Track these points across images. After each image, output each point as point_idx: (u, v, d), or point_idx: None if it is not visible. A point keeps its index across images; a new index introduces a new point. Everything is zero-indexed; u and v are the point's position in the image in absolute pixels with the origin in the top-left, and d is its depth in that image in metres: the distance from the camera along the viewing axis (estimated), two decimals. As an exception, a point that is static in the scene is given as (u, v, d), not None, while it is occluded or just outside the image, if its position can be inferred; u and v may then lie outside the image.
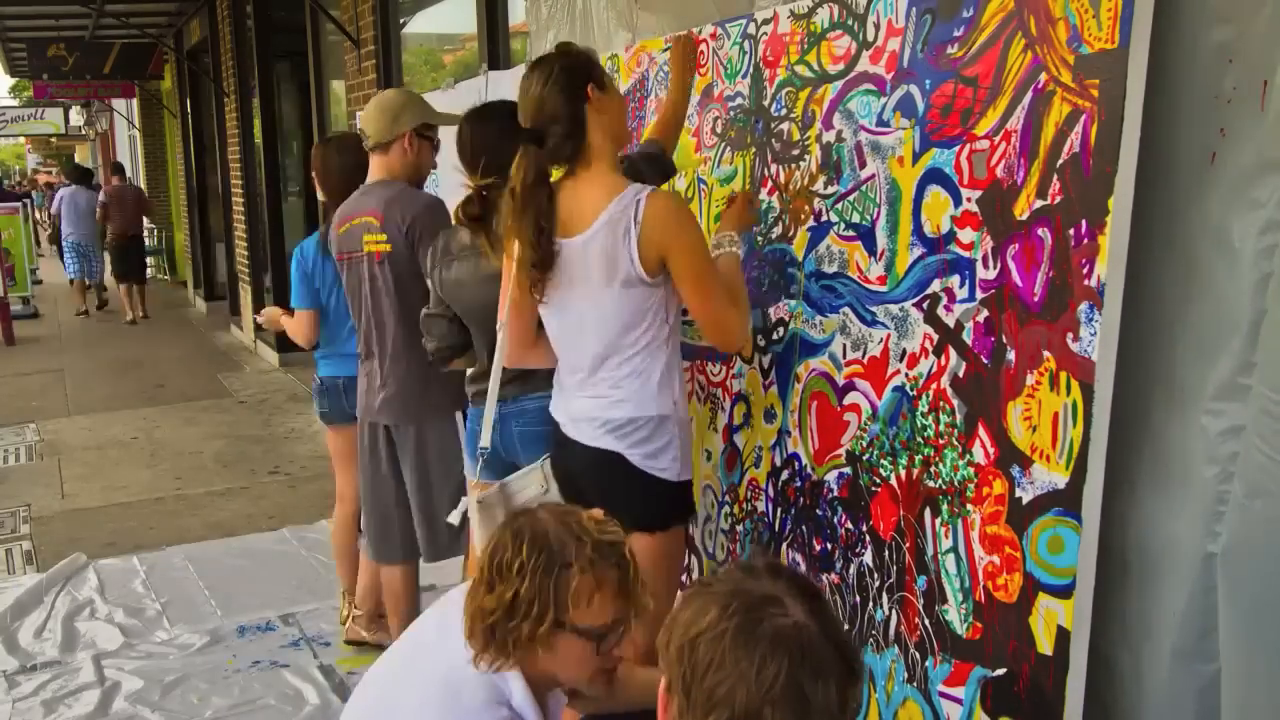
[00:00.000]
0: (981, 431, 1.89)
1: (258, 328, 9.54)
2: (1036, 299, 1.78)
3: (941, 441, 1.98)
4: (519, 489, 2.42)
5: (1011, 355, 1.83)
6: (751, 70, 2.52)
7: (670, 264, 2.14)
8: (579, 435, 2.27)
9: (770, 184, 2.46)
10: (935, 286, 1.99)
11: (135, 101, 16.68)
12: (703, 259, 2.16)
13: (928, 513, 2.01)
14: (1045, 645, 1.77)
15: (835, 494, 2.27)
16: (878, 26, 2.13)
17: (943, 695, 1.98)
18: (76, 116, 25.97)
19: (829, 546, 2.29)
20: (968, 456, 1.92)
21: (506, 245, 2.29)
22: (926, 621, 2.01)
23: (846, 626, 2.23)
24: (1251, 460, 1.56)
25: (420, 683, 1.72)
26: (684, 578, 2.81)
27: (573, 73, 2.20)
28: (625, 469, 2.20)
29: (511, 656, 1.63)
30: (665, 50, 2.89)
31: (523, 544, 1.63)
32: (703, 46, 2.72)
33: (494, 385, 2.45)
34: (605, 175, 2.20)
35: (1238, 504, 1.59)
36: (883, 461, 2.13)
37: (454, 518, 2.53)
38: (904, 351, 2.07)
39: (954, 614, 1.95)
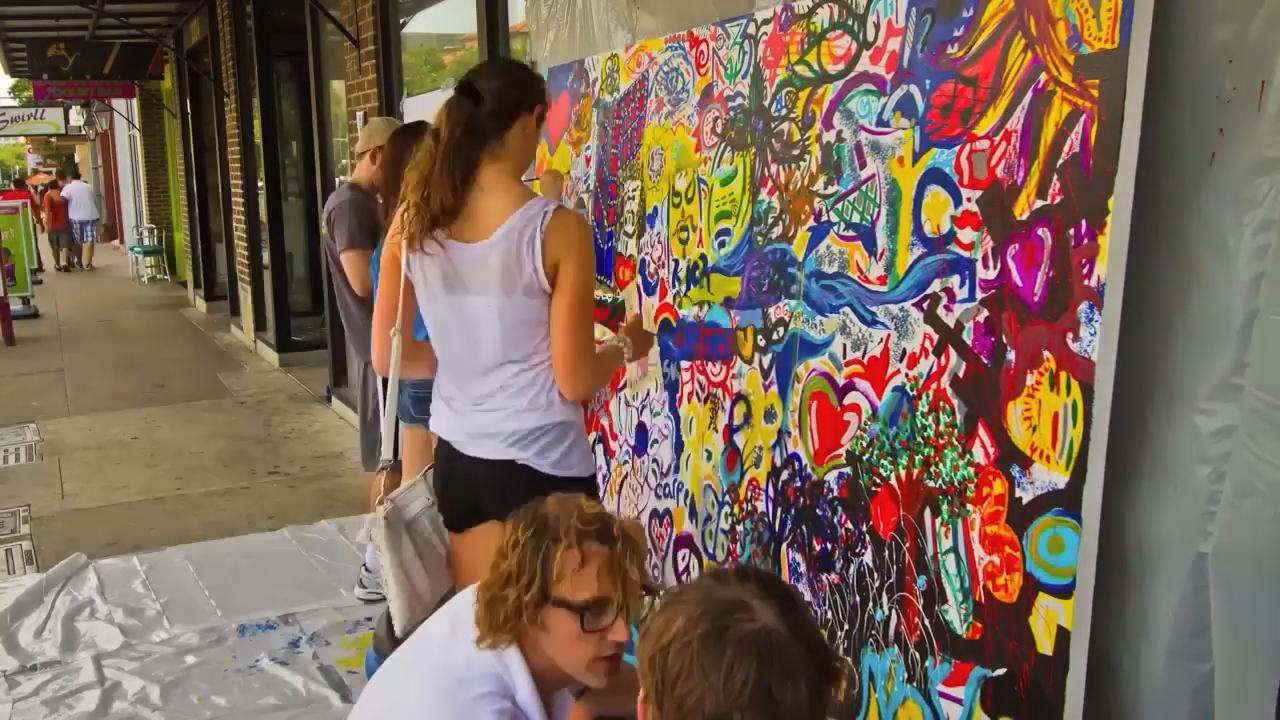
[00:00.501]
0: (981, 431, 1.89)
1: (260, 327, 9.54)
2: (1036, 299, 1.78)
3: (941, 441, 1.98)
4: (406, 502, 2.46)
5: (1011, 355, 1.83)
6: (751, 70, 2.53)
7: (559, 276, 2.18)
8: (480, 451, 2.29)
9: (770, 184, 2.46)
10: (935, 286, 1.99)
11: (135, 101, 16.68)
12: (586, 288, 2.21)
13: (928, 513, 2.01)
14: (1045, 645, 1.77)
15: (835, 494, 2.27)
16: (878, 26, 2.13)
17: (943, 695, 1.98)
18: (76, 116, 25.97)
19: (829, 546, 2.29)
20: (968, 456, 1.92)
21: (402, 210, 2.29)
22: (926, 621, 2.01)
23: (847, 627, 2.23)
24: (1242, 460, 1.57)
25: (426, 676, 1.74)
26: (685, 578, 2.81)
27: (531, 88, 2.31)
28: (531, 478, 2.22)
29: (506, 631, 1.66)
30: (665, 50, 2.90)
31: (521, 523, 1.69)
32: (703, 46, 2.73)
33: (392, 400, 2.49)
34: (511, 186, 2.25)
35: (1229, 504, 1.60)
36: (883, 461, 2.13)
37: (361, 536, 2.61)
38: (904, 351, 2.07)
39: (954, 614, 1.95)
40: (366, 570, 3.91)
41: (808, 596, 2.33)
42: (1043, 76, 1.76)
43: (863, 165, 2.17)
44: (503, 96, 2.26)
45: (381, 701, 1.78)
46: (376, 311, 2.44)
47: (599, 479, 3.18)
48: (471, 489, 2.34)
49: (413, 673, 1.77)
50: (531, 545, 1.66)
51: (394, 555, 2.39)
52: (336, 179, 7.29)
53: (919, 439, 2.03)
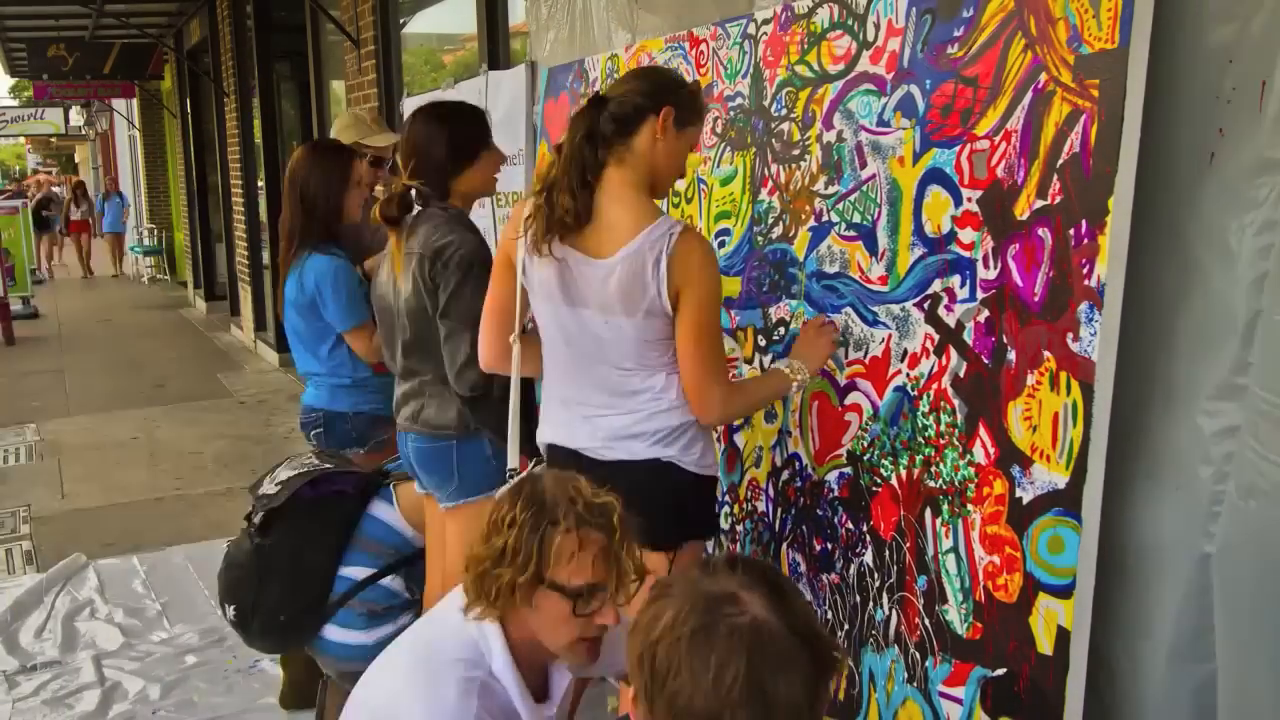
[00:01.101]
0: (982, 431, 1.89)
1: (260, 327, 9.54)
2: (1037, 299, 1.78)
3: (942, 441, 1.98)
4: None
5: (1012, 355, 1.83)
6: (751, 70, 2.53)
7: (681, 303, 2.07)
8: (622, 453, 2.16)
9: (770, 184, 2.46)
10: (936, 286, 1.99)
11: (135, 101, 16.69)
12: (711, 311, 2.09)
13: (928, 513, 2.01)
14: (1045, 645, 1.77)
15: (836, 494, 2.27)
16: (878, 26, 2.13)
17: (943, 695, 1.98)
18: (76, 116, 25.98)
19: (829, 546, 2.29)
20: (968, 456, 1.92)
21: (526, 211, 2.18)
22: (927, 621, 2.01)
23: (847, 627, 2.23)
24: (1246, 460, 1.56)
25: (407, 645, 1.77)
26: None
27: (666, 88, 2.17)
28: (677, 475, 2.15)
29: (495, 606, 1.67)
30: (665, 50, 2.90)
31: (519, 500, 1.68)
32: (703, 46, 2.72)
33: (514, 406, 2.34)
34: (637, 200, 2.13)
35: (1232, 504, 1.59)
36: (883, 461, 2.13)
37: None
38: (905, 351, 2.07)
39: (954, 614, 1.95)
40: None
41: (808, 596, 2.33)
42: (1043, 76, 1.76)
43: (863, 165, 2.17)
44: (625, 98, 2.15)
45: (369, 675, 1.79)
46: (489, 310, 2.33)
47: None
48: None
49: (397, 647, 1.80)
50: (529, 525, 1.65)
51: None
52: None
53: (920, 439, 2.03)
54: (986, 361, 1.88)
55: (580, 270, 2.12)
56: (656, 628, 1.17)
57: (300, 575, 2.72)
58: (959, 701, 1.94)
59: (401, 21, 5.82)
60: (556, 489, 1.69)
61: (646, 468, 2.14)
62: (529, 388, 2.43)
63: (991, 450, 1.87)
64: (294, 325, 3.20)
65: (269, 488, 2.77)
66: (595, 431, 2.19)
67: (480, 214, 4.32)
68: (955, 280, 1.95)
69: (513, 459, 2.35)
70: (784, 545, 2.44)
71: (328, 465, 2.82)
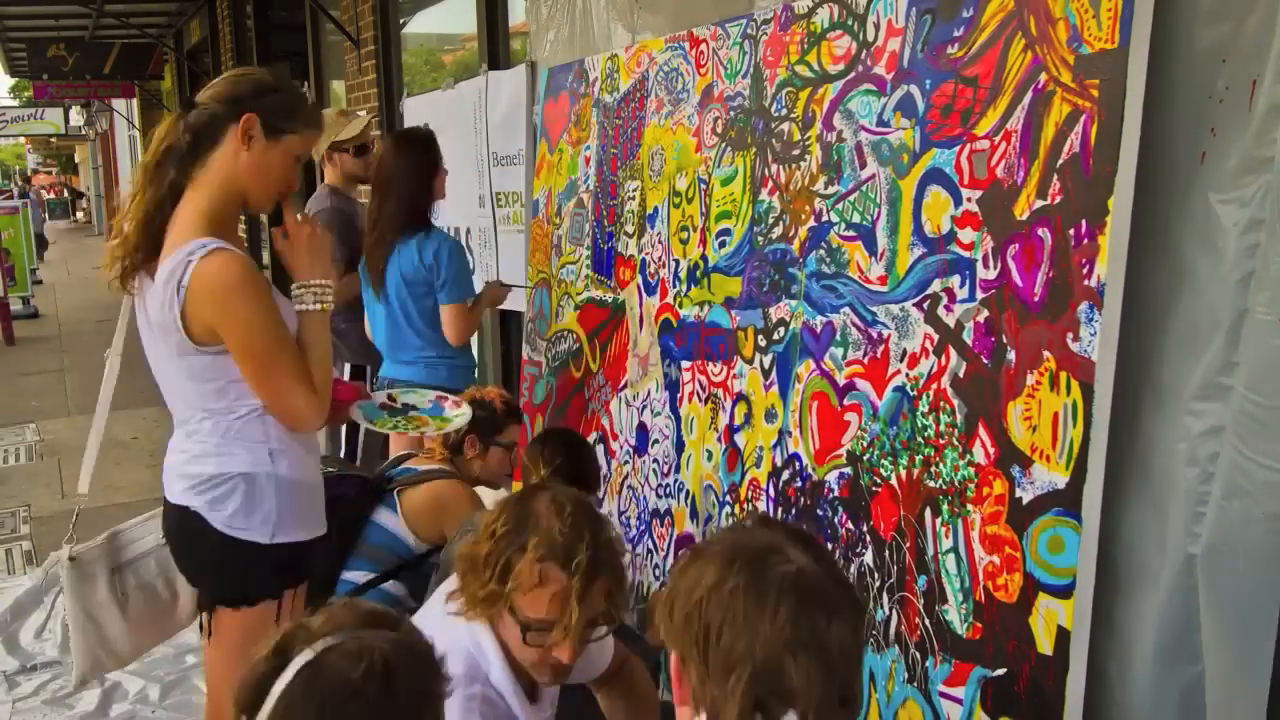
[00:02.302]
0: (982, 431, 1.89)
1: None
2: (1036, 299, 1.78)
3: (942, 441, 1.98)
4: (133, 538, 2.41)
5: (1011, 355, 1.83)
6: (751, 70, 2.53)
7: (222, 335, 1.95)
8: (169, 492, 2.11)
9: (770, 184, 2.46)
10: (935, 286, 1.99)
11: (135, 101, 16.69)
12: (250, 337, 1.94)
13: (928, 513, 2.01)
14: (1045, 645, 1.77)
15: (836, 494, 2.27)
16: (878, 26, 2.13)
17: (943, 695, 1.98)
18: (76, 116, 25.99)
19: (829, 546, 2.29)
20: (968, 456, 1.92)
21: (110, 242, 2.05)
22: (927, 621, 2.01)
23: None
24: (1230, 461, 1.56)
25: None
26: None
27: (248, 94, 2.00)
28: (203, 529, 2.03)
29: (474, 610, 1.68)
30: (665, 50, 2.90)
31: (508, 511, 1.69)
32: (703, 46, 2.73)
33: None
34: (191, 219, 1.96)
35: (1217, 504, 1.59)
36: (883, 461, 2.13)
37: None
38: (904, 351, 2.07)
39: (954, 614, 1.95)
40: None
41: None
42: (1043, 76, 1.76)
43: (863, 165, 2.17)
44: (202, 107, 1.97)
45: None
46: None
47: (600, 479, 3.19)
48: (166, 531, 2.19)
49: None
50: (504, 542, 1.66)
51: (76, 601, 2.23)
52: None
53: (919, 439, 2.03)
54: (986, 361, 1.88)
55: (147, 296, 2.01)
56: (701, 586, 1.18)
57: None
58: (959, 701, 1.94)
59: (401, 21, 5.82)
60: (543, 509, 1.68)
61: (178, 513, 2.09)
62: None
63: (991, 450, 1.87)
64: (399, 311, 3.31)
65: None
66: (166, 461, 2.16)
67: (480, 213, 4.33)
68: (955, 280, 1.95)
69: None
70: (784, 545, 2.44)
71: (330, 470, 2.82)
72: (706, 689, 1.16)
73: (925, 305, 2.02)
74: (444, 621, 1.73)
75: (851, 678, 1.16)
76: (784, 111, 2.41)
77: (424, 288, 3.28)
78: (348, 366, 3.86)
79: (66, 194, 32.15)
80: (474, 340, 4.71)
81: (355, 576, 2.75)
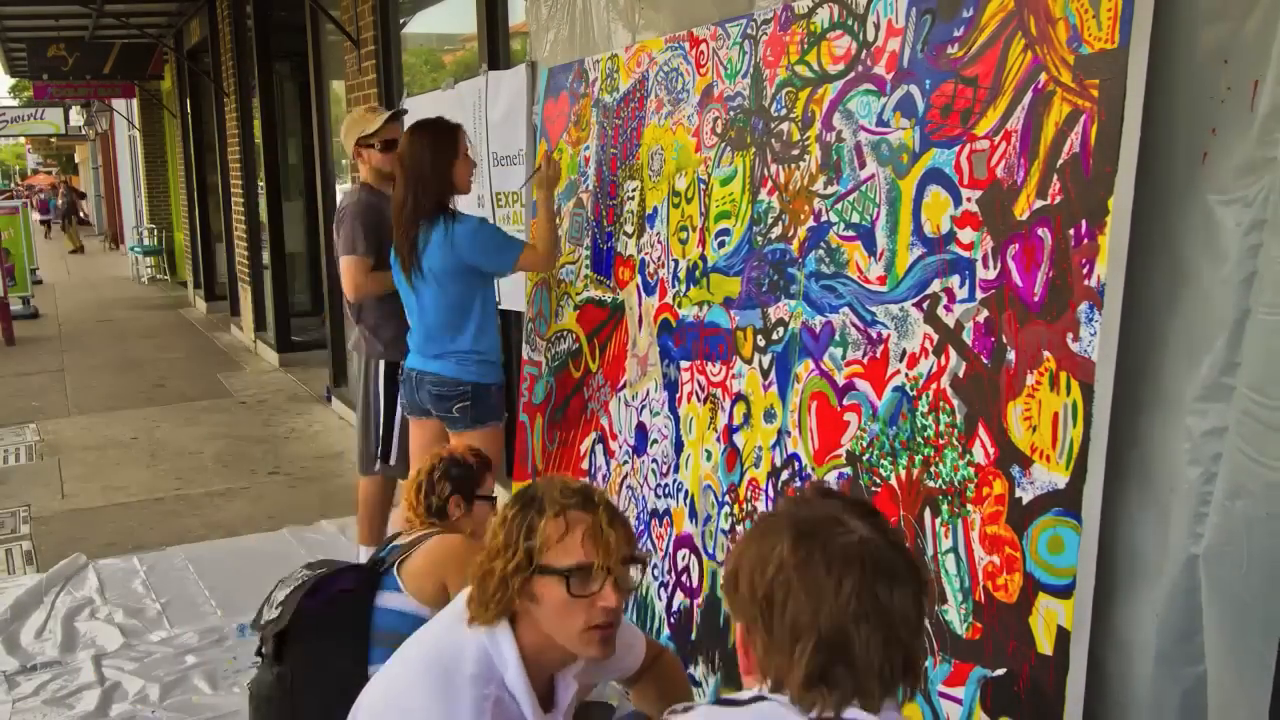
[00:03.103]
0: (981, 431, 1.89)
1: (260, 327, 9.54)
2: (1036, 299, 1.78)
3: (941, 441, 1.98)
4: None
5: (1011, 355, 1.83)
6: (751, 70, 2.52)
7: None
8: None
9: (770, 184, 2.46)
10: (935, 286, 1.99)
11: (135, 101, 16.68)
12: None
13: (928, 513, 2.01)
14: (1045, 645, 1.77)
15: (835, 494, 2.26)
16: (878, 26, 2.13)
17: (943, 695, 1.98)
18: (76, 116, 25.98)
19: (829, 546, 2.29)
20: (968, 456, 1.92)
21: None
22: (927, 621, 2.01)
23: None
24: (1233, 461, 1.56)
25: (419, 656, 1.77)
26: (685, 578, 2.80)
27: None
28: None
29: (498, 607, 1.69)
30: (665, 50, 2.90)
31: (510, 503, 1.75)
32: (703, 46, 2.73)
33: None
34: None
35: (1219, 505, 1.59)
36: (883, 462, 2.13)
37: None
38: (904, 351, 2.07)
39: (954, 614, 1.95)
40: None
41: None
42: (1043, 76, 1.76)
43: (862, 165, 2.17)
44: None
45: (379, 685, 1.79)
46: None
47: (600, 479, 3.18)
48: None
49: (410, 658, 1.80)
50: (518, 519, 1.70)
51: None
52: (336, 179, 7.29)
53: (919, 439, 2.03)
54: (986, 362, 1.88)
55: None
56: (769, 557, 1.19)
57: (330, 687, 2.58)
58: (959, 701, 1.94)
59: (401, 21, 5.82)
60: (544, 484, 1.76)
61: None
62: None
63: (991, 450, 1.87)
64: (434, 301, 3.31)
65: (270, 613, 2.63)
66: None
67: (480, 213, 4.32)
68: (954, 280, 1.94)
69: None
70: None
71: (320, 571, 2.71)
72: (771, 658, 1.19)
73: (925, 305, 2.01)
74: (456, 627, 1.74)
75: (914, 646, 1.18)
76: (784, 111, 2.41)
77: (452, 278, 3.26)
78: (382, 364, 3.84)
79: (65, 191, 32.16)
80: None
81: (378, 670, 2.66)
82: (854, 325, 2.20)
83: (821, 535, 1.18)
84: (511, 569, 1.67)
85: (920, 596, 1.19)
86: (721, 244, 2.63)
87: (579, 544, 1.67)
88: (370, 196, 3.88)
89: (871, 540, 1.18)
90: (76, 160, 36.25)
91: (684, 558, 2.82)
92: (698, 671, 2.69)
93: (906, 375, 2.06)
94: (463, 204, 4.49)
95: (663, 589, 2.89)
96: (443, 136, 3.31)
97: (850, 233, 2.21)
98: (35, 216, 18.47)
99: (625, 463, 3.11)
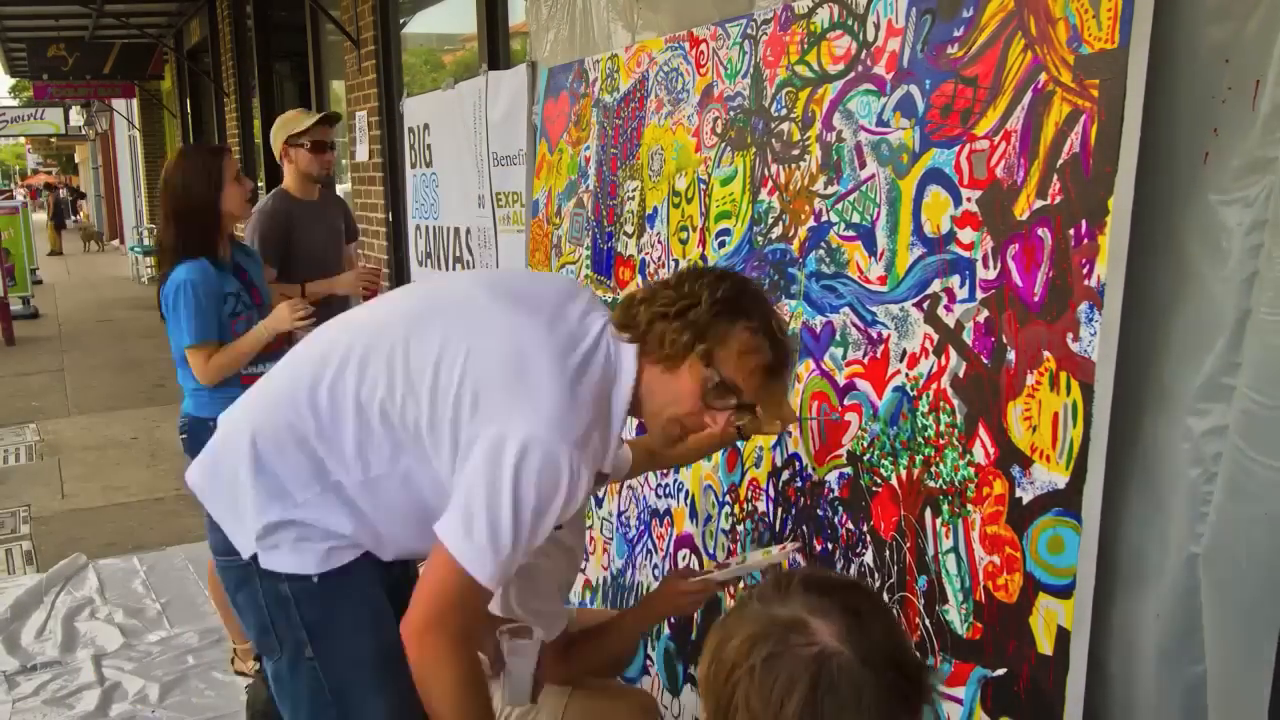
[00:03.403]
0: (982, 431, 1.89)
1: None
2: (1036, 299, 1.78)
3: (942, 441, 1.98)
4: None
5: (1011, 355, 1.83)
6: (751, 70, 2.53)
7: None
8: None
9: (770, 184, 2.46)
10: (935, 286, 1.99)
11: (135, 101, 16.70)
12: None
13: (928, 513, 2.01)
14: (1045, 645, 1.77)
15: (836, 494, 2.27)
16: (878, 26, 2.13)
17: (943, 695, 1.98)
18: (76, 116, 26.00)
19: (830, 547, 2.29)
20: (968, 457, 1.92)
21: None
22: (927, 621, 2.01)
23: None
24: (1233, 461, 1.56)
25: (534, 322, 1.68)
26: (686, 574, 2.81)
27: None
28: None
29: (641, 338, 1.63)
30: (665, 50, 2.90)
31: (721, 282, 1.67)
32: (703, 46, 2.73)
33: None
34: None
35: (1219, 504, 1.59)
36: (883, 461, 2.13)
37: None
38: (904, 352, 2.07)
39: (954, 614, 1.95)
40: None
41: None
42: (1043, 76, 1.76)
43: (862, 165, 2.17)
44: None
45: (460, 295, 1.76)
46: None
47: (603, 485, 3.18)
48: None
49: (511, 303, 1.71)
50: (721, 305, 1.64)
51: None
52: (336, 179, 7.29)
53: (919, 439, 2.03)
54: (986, 362, 1.88)
55: None
56: (727, 653, 1.12)
57: None
58: (959, 701, 1.94)
59: (401, 21, 5.82)
60: (758, 295, 1.69)
61: None
62: None
63: (991, 450, 1.87)
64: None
65: None
66: None
67: (480, 213, 4.33)
68: (955, 280, 1.95)
69: None
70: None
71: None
72: None
73: (925, 305, 2.02)
74: (587, 318, 1.66)
75: None
76: (784, 111, 2.41)
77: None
78: None
79: (65, 193, 32.19)
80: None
81: None
82: (854, 325, 2.20)
83: (781, 641, 1.08)
84: (684, 341, 1.60)
85: (893, 713, 1.07)
86: (722, 244, 2.63)
87: (751, 373, 1.62)
88: (279, 202, 3.90)
89: (832, 654, 1.06)
90: (76, 160, 36.25)
91: (684, 558, 2.82)
92: (698, 672, 2.69)
93: (907, 375, 2.07)
94: (464, 203, 4.50)
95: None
96: (206, 161, 3.17)
97: (850, 233, 2.21)
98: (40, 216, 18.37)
99: (625, 463, 3.11)
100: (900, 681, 1.08)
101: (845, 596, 1.14)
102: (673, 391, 1.64)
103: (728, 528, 2.65)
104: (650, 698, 2.44)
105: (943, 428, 1.97)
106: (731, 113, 2.60)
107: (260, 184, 9.05)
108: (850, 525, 2.22)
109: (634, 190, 3.05)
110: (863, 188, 2.17)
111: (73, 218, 27.28)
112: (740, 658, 1.09)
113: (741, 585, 2.29)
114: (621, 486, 3.12)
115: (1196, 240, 1.64)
